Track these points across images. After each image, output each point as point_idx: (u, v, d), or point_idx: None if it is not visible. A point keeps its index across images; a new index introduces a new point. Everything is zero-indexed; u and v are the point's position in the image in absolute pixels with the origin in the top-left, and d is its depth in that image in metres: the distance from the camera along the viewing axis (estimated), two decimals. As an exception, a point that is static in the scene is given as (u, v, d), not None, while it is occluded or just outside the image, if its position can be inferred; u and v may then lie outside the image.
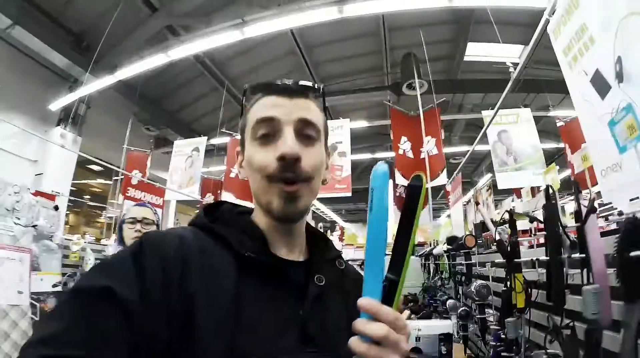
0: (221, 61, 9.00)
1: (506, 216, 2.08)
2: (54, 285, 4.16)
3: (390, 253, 0.63)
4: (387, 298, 0.60)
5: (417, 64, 7.60)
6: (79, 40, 7.62)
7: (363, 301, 0.57)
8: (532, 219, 1.91)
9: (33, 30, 6.58)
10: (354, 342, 0.57)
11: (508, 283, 1.95)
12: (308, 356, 0.69)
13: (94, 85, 7.49)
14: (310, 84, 0.83)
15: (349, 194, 6.65)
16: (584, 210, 1.41)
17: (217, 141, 9.45)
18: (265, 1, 6.20)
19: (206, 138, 8.25)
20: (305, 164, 0.76)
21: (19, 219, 3.81)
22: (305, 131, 0.79)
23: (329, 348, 0.71)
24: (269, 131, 0.77)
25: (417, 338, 2.33)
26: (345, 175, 6.64)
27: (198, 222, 0.81)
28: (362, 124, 9.42)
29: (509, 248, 2.00)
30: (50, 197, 5.00)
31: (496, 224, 2.35)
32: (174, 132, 10.82)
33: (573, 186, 1.62)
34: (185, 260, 0.68)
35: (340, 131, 6.89)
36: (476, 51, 8.52)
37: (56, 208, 4.59)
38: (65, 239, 4.96)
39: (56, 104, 7.83)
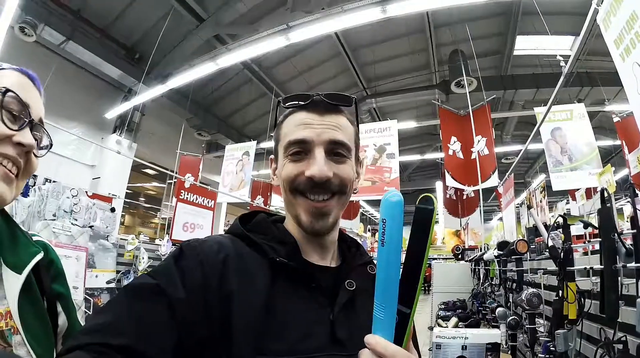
0: (268, 66, 9.17)
1: (559, 220, 1.98)
2: (108, 282, 4.42)
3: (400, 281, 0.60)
4: (398, 333, 0.59)
5: (465, 61, 7.39)
6: (130, 52, 8.04)
7: (370, 340, 0.57)
8: (587, 224, 1.80)
9: (86, 45, 6.98)
10: None
11: (560, 292, 1.85)
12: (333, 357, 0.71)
13: (147, 94, 7.86)
14: (341, 97, 0.85)
15: None
16: None
17: (266, 144, 9.62)
18: (309, 6, 6.25)
19: (256, 141, 8.40)
20: (335, 182, 0.79)
21: (76, 220, 4.06)
22: (336, 150, 0.81)
23: (355, 349, 0.68)
24: (300, 150, 0.80)
25: (464, 347, 2.25)
26: (394, 177, 6.48)
27: (234, 230, 0.84)
28: (410, 124, 9.26)
29: (562, 254, 1.90)
30: (107, 199, 5.27)
31: (549, 229, 2.23)
32: (225, 137, 11.16)
33: (629, 188, 1.52)
34: (223, 264, 0.72)
35: (389, 132, 6.72)
36: (525, 44, 8.15)
37: (112, 210, 4.82)
38: (121, 239, 5.20)
39: (112, 113, 8.31)
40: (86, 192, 4.39)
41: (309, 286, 0.76)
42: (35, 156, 0.83)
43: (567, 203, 8.18)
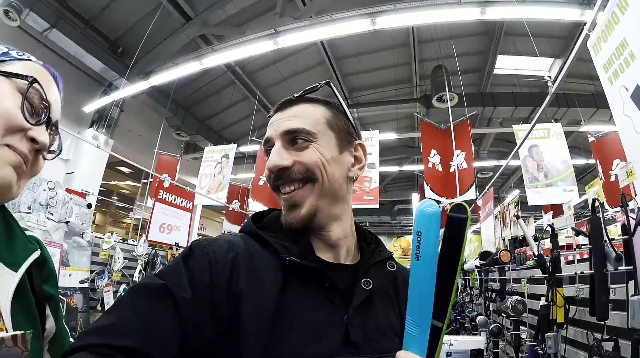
0: (252, 70, 9.15)
1: (548, 229, 2.05)
2: (82, 281, 4.24)
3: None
4: (430, 348, 0.58)
5: (447, 77, 7.56)
6: (114, 45, 7.86)
7: (403, 356, 0.57)
8: (578, 232, 1.88)
9: (70, 34, 6.81)
10: None
11: (549, 296, 1.91)
12: None
13: (127, 90, 7.69)
14: (309, 89, 0.87)
15: (377, 206, 6.60)
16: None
17: (246, 148, 9.56)
18: (297, 13, 6.29)
19: (236, 145, 8.34)
20: (297, 168, 0.79)
21: (52, 214, 3.90)
22: (295, 138, 0.81)
23: (372, 352, 0.71)
24: (269, 150, 0.83)
25: (449, 353, 2.30)
26: (374, 187, 6.56)
27: (246, 229, 0.84)
28: (391, 136, 9.39)
29: (550, 262, 1.97)
30: (80, 195, 5.12)
31: (539, 238, 2.31)
32: (204, 139, 11.01)
33: (621, 199, 1.59)
34: (233, 263, 0.71)
35: (370, 142, 6.79)
36: (506, 64, 8.45)
37: (89, 206, 4.69)
38: (96, 237, 5.06)
39: (90, 107, 8.08)
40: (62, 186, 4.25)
41: (322, 286, 0.74)
42: (44, 158, 0.78)
43: (541, 217, 8.43)
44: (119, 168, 11.98)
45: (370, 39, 7.49)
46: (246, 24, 7.05)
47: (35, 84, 0.73)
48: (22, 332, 0.62)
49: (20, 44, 5.97)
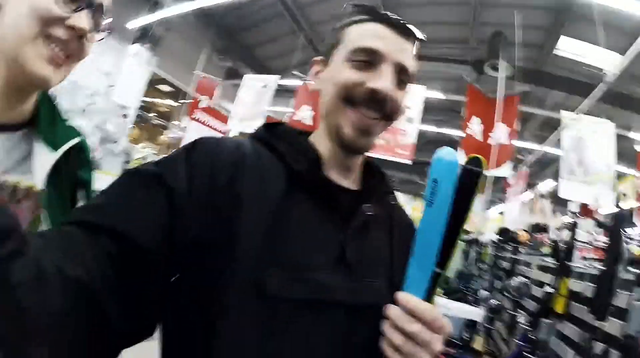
0: (304, 3, 8.84)
1: (570, 215, 1.94)
2: (110, 186, 4.43)
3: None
4: (429, 292, 0.61)
5: (504, 46, 7.11)
6: None
7: (402, 297, 0.59)
8: (600, 224, 1.78)
9: None
10: (390, 332, 0.61)
11: (553, 284, 1.83)
12: (338, 277, 0.68)
13: (173, 9, 7.60)
14: (413, 28, 0.77)
15: (409, 162, 6.42)
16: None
17: (287, 82, 9.41)
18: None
19: (278, 76, 8.13)
20: (391, 104, 0.74)
21: (89, 120, 4.03)
22: (400, 76, 0.75)
23: (362, 276, 0.71)
24: (367, 60, 0.73)
25: (442, 318, 2.26)
26: (409, 142, 6.36)
27: (257, 135, 0.81)
28: (436, 95, 9.02)
29: (564, 249, 1.87)
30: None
31: (563, 225, 2.22)
32: (246, 67, 10.84)
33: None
34: (238, 164, 0.69)
35: (411, 96, 6.54)
36: (568, 47, 7.81)
37: (125, 116, 4.79)
38: (130, 146, 5.19)
39: (134, 23, 8.02)
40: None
41: (324, 203, 0.72)
42: (90, 41, 0.79)
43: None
44: (159, 86, 12.08)
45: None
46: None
47: None
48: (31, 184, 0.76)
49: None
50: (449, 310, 2.22)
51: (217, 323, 0.60)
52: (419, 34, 0.78)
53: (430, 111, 10.95)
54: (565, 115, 5.34)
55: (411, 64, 0.76)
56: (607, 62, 6.21)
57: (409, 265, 0.61)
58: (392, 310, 0.61)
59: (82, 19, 0.74)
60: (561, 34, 7.43)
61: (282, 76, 8.87)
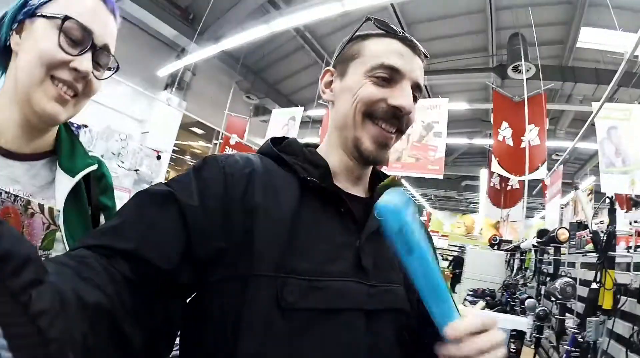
0: (321, 35, 9.05)
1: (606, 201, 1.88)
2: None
3: None
4: (456, 308, 0.60)
5: (524, 46, 7.01)
6: (185, 12, 8.19)
7: (449, 332, 0.58)
8: (637, 202, 1.71)
9: (143, 4, 7.21)
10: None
11: (598, 278, 1.77)
12: (356, 283, 0.70)
13: (199, 54, 7.94)
14: (420, 46, 0.82)
15: (441, 176, 6.30)
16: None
17: (312, 112, 9.60)
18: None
19: (302, 108, 8.37)
20: (406, 120, 0.79)
21: (122, 163, 4.23)
22: (414, 92, 0.79)
23: (379, 281, 0.73)
24: (388, 77, 0.76)
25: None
26: (439, 156, 6.21)
27: (264, 150, 0.83)
28: (462, 106, 8.93)
29: (604, 239, 1.81)
30: (154, 151, 5.44)
31: (598, 208, 2.13)
32: (273, 102, 11.24)
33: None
34: (249, 178, 0.71)
35: (438, 110, 6.41)
36: (590, 37, 7.58)
37: (159, 157, 4.98)
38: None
39: (164, 71, 8.49)
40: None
41: (338, 210, 0.74)
42: (98, 78, 0.87)
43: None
44: (192, 129, 12.52)
45: (445, 3, 7.10)
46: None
47: (69, 20, 0.79)
48: (52, 206, 0.82)
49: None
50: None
51: (238, 335, 0.60)
52: (426, 51, 0.83)
53: (460, 123, 10.87)
54: (595, 105, 5.13)
55: (422, 81, 0.81)
56: (630, 44, 5.99)
57: (428, 307, 0.59)
58: (458, 348, 0.58)
59: (83, 62, 0.81)
60: (582, 26, 7.27)
61: (308, 107, 9.07)
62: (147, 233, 0.60)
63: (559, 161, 5.95)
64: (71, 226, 0.85)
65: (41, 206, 0.81)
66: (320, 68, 9.22)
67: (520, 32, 7.31)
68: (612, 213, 1.87)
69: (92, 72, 0.84)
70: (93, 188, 0.93)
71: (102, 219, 0.94)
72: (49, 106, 0.79)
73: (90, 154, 0.97)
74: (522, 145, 6.23)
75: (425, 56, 0.83)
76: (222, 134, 7.93)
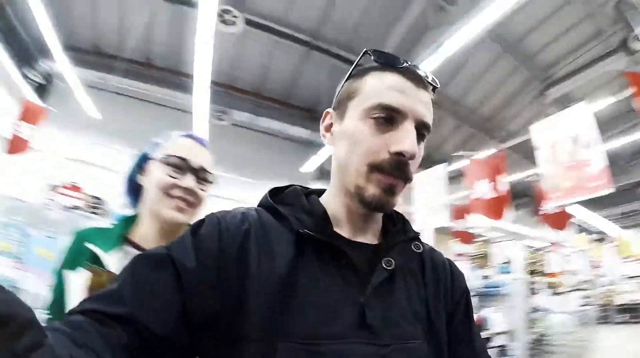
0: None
1: None
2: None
3: None
4: None
5: (633, 14, 6.27)
6: (312, 112, 9.11)
7: None
8: None
9: (272, 116, 8.54)
10: None
11: None
12: (361, 346, 0.63)
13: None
14: (430, 77, 0.74)
15: (610, 190, 4.90)
16: None
17: (455, 166, 8.76)
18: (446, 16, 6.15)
19: (446, 163, 7.89)
20: (414, 165, 0.72)
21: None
22: (420, 131, 0.72)
23: (392, 337, 0.67)
24: (387, 117, 0.70)
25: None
26: (598, 168, 5.05)
27: (262, 202, 0.80)
28: (604, 102, 7.89)
29: None
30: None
31: None
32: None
33: None
34: (245, 234, 0.69)
35: (577, 118, 5.49)
36: None
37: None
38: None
39: (306, 167, 9.34)
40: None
41: (338, 263, 0.69)
42: (202, 190, 1.17)
43: None
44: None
45: (536, 4, 6.78)
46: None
47: (171, 156, 1.13)
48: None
49: (234, 135, 8.81)
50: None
51: None
52: (435, 82, 0.75)
53: (611, 123, 9.37)
54: None
55: (430, 118, 0.73)
56: None
57: None
58: None
59: (187, 181, 1.12)
60: None
61: (451, 162, 8.68)
62: (143, 298, 0.59)
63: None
64: None
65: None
66: (447, 124, 9.20)
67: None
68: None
69: (198, 186, 1.14)
70: None
71: None
72: (170, 214, 1.10)
73: None
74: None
75: (435, 87, 0.76)
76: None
